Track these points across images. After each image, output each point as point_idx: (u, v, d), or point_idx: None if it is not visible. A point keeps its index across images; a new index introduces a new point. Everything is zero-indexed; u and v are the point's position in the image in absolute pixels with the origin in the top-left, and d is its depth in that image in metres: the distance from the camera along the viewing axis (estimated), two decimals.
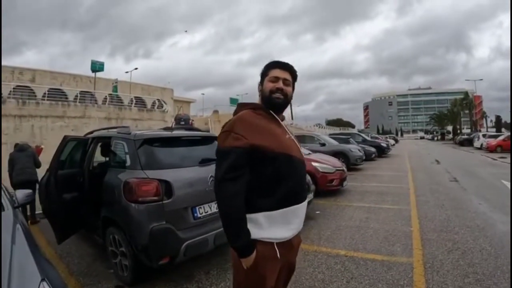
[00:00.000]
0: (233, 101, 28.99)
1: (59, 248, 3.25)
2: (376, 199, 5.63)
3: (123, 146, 2.77)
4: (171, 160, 2.72)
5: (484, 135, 22.49)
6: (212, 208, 2.64)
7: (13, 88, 13.23)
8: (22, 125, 11.41)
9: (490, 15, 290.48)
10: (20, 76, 16.40)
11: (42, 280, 1.22)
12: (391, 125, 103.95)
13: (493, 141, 18.45)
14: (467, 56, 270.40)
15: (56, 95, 14.38)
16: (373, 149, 13.55)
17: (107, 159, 3.58)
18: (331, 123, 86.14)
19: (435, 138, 49.95)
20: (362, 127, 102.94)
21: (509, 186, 6.37)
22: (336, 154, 9.18)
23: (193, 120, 14.82)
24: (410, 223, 4.02)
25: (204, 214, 2.59)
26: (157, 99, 19.52)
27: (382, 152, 15.28)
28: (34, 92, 14.53)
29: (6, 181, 4.34)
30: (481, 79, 59.22)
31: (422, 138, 64.88)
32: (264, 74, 1.28)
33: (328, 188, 5.75)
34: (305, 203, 1.26)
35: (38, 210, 4.00)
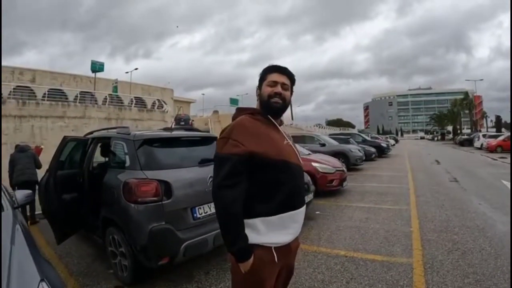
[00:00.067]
0: (233, 101, 29.01)
1: (58, 249, 3.25)
2: (376, 199, 5.62)
3: (123, 146, 2.77)
4: (171, 161, 2.73)
5: (484, 135, 22.47)
6: (211, 208, 2.64)
7: (13, 89, 13.25)
8: (22, 125, 11.42)
9: (490, 15, 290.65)
10: (20, 76, 16.42)
11: (41, 280, 1.22)
12: (391, 125, 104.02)
13: (493, 141, 18.44)
14: (467, 56, 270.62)
15: (56, 95, 14.41)
16: (373, 149, 13.54)
17: (107, 159, 3.58)
18: (331, 123, 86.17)
19: (435, 138, 49.94)
20: (362, 127, 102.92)
21: (509, 186, 6.37)
22: (336, 154, 9.18)
23: (193, 121, 14.83)
24: (410, 224, 4.02)
25: (203, 214, 2.59)
26: (157, 100, 19.54)
27: (382, 152, 15.28)
28: (34, 93, 14.55)
29: (6, 182, 4.35)
30: (481, 79, 59.34)
31: (422, 138, 64.92)
32: (262, 78, 1.28)
33: (328, 188, 5.75)
34: (303, 209, 1.27)
35: (38, 210, 4.00)
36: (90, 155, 3.40)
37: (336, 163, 6.47)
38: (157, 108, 18.36)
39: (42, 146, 7.57)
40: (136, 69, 27.88)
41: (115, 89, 18.98)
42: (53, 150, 3.14)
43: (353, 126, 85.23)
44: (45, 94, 13.98)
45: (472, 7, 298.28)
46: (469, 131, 40.64)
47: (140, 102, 17.75)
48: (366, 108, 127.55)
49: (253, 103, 1.35)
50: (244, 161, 1.12)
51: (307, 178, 4.48)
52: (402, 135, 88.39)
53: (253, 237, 1.14)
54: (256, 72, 1.35)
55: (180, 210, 2.47)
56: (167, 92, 25.25)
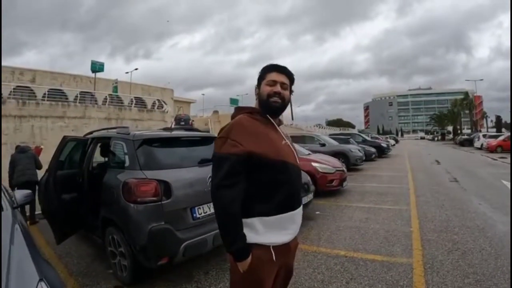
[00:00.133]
0: (233, 101, 29.02)
1: (58, 249, 3.25)
2: (376, 199, 5.62)
3: (122, 146, 2.77)
4: (170, 161, 2.72)
5: (484, 135, 22.46)
6: (211, 208, 2.63)
7: (13, 89, 13.25)
8: (22, 125, 11.42)
9: (490, 15, 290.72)
10: (20, 76, 16.43)
11: (40, 280, 1.22)
12: (391, 126, 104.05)
13: (493, 141, 18.43)
14: (467, 56, 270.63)
15: (56, 95, 14.42)
16: (373, 150, 13.54)
17: (107, 159, 3.58)
18: (331, 123, 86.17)
19: (436, 139, 49.94)
20: (363, 127, 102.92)
21: (509, 186, 6.37)
22: (336, 154, 9.17)
23: (193, 121, 14.82)
24: (410, 224, 4.02)
25: (203, 214, 2.59)
26: (157, 100, 19.55)
27: (382, 152, 15.27)
28: (34, 93, 14.55)
29: (5, 182, 4.35)
30: (482, 79, 59.34)
31: (422, 138, 64.92)
32: (261, 77, 1.27)
33: (328, 188, 5.75)
34: (300, 209, 1.27)
35: (38, 210, 4.00)
36: (89, 155, 3.40)
37: (336, 163, 6.47)
38: (157, 108, 18.37)
39: (42, 146, 7.57)
40: (136, 69, 27.96)
41: (115, 89, 18.99)
42: (53, 150, 3.14)
43: (353, 126, 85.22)
44: (45, 94, 13.99)
45: (472, 7, 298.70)
46: (469, 131, 40.65)
47: (140, 102, 17.76)
48: (366, 108, 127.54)
49: (253, 103, 1.35)
50: (242, 161, 1.12)
51: (307, 178, 4.48)
52: (402, 135, 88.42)
53: (251, 237, 1.14)
54: (256, 72, 1.34)
55: (180, 210, 2.47)
56: (167, 92, 25.26)
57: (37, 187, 4.19)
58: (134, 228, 2.31)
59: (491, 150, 17.58)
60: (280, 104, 1.25)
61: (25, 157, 4.79)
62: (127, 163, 2.65)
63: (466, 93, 46.31)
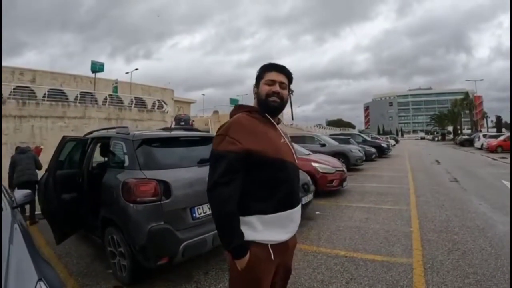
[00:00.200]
0: (233, 101, 29.06)
1: (58, 249, 3.25)
2: (376, 199, 5.61)
3: (122, 146, 2.76)
4: (170, 161, 2.72)
5: (484, 136, 22.44)
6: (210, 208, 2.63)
7: (14, 89, 13.26)
8: (22, 125, 11.43)
9: (490, 15, 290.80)
10: (20, 76, 16.46)
11: (39, 280, 1.22)
12: (391, 126, 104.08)
13: (493, 141, 18.42)
14: (467, 57, 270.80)
15: (56, 95, 14.43)
16: (373, 150, 13.52)
17: (106, 159, 3.58)
18: (332, 123, 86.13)
19: (436, 139, 49.92)
20: (363, 127, 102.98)
21: (509, 186, 6.36)
22: (336, 154, 9.17)
23: (193, 121, 14.82)
24: (410, 224, 4.01)
25: (202, 214, 2.59)
26: (157, 100, 19.55)
27: (382, 152, 15.26)
28: (34, 93, 14.56)
29: (5, 182, 4.36)
30: (482, 79, 59.31)
31: (422, 138, 64.93)
32: (259, 76, 1.27)
33: (328, 188, 5.74)
34: (299, 208, 1.26)
35: (38, 210, 4.00)
36: (89, 155, 3.40)
37: (336, 163, 6.47)
38: (157, 108, 18.37)
39: (42, 147, 7.58)
40: (136, 69, 27.99)
41: (115, 89, 19.01)
42: (53, 150, 3.14)
43: (353, 127, 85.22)
44: (45, 94, 14.00)
45: (472, 7, 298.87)
46: (469, 131, 40.68)
47: (140, 103, 17.77)
48: (367, 108, 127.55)
49: (253, 103, 1.35)
50: (240, 159, 1.12)
51: (307, 178, 4.48)
52: (402, 135, 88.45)
53: (249, 234, 1.14)
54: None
55: (179, 210, 2.47)
56: (167, 92, 25.28)
57: (37, 187, 4.20)
58: (134, 228, 2.30)
59: (491, 150, 17.56)
60: (279, 103, 1.25)
61: (25, 157, 4.85)
62: (126, 163, 2.65)
63: (466, 93, 46.29)
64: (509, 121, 43.71)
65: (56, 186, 2.94)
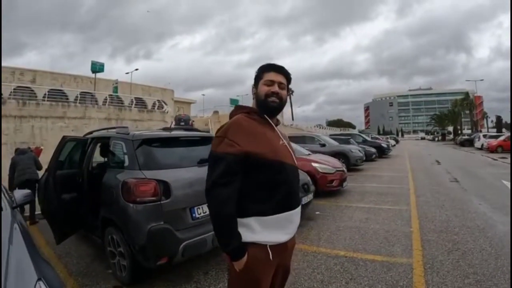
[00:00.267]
0: (233, 101, 29.03)
1: (58, 249, 3.25)
2: (376, 199, 5.61)
3: (122, 146, 2.77)
4: (170, 161, 2.72)
5: (484, 136, 22.42)
6: None
7: (14, 89, 13.27)
8: (22, 125, 11.43)
9: (490, 16, 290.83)
10: (20, 77, 16.47)
11: (39, 279, 1.22)
12: (391, 126, 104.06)
13: (493, 142, 18.41)
14: (467, 57, 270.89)
15: (57, 95, 14.43)
16: (373, 150, 13.52)
17: (106, 159, 3.58)
18: (332, 123, 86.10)
19: (436, 139, 49.87)
20: (363, 127, 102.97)
21: (509, 186, 6.36)
22: (336, 154, 9.16)
23: (193, 121, 14.83)
24: (410, 224, 4.01)
25: (202, 214, 2.59)
26: (158, 100, 19.56)
27: (382, 152, 15.25)
28: (34, 93, 14.57)
29: (5, 182, 4.36)
30: (482, 79, 59.30)
31: (422, 138, 64.91)
32: (258, 77, 1.27)
33: (328, 188, 5.74)
34: (298, 209, 1.26)
35: (38, 211, 4.00)
36: (89, 155, 3.40)
37: (336, 163, 6.46)
38: (157, 108, 18.37)
39: (42, 147, 7.59)
40: (136, 69, 28.01)
41: (115, 89, 19.01)
42: (53, 150, 3.14)
43: (353, 127, 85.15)
44: (45, 94, 14.00)
45: (472, 7, 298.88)
46: (469, 131, 40.64)
47: (140, 103, 17.77)
48: (367, 108, 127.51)
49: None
50: (239, 161, 1.12)
51: (307, 178, 4.48)
52: (402, 135, 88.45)
53: (248, 236, 1.14)
54: None
55: (179, 210, 2.46)
56: (167, 92, 25.29)
57: (37, 186, 4.22)
58: (133, 228, 2.30)
59: (491, 150, 17.55)
60: (278, 104, 1.25)
61: (25, 157, 4.90)
62: (126, 163, 2.65)
63: (466, 93, 46.25)
64: (509, 121, 43.70)
65: (56, 186, 2.95)
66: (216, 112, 26.07)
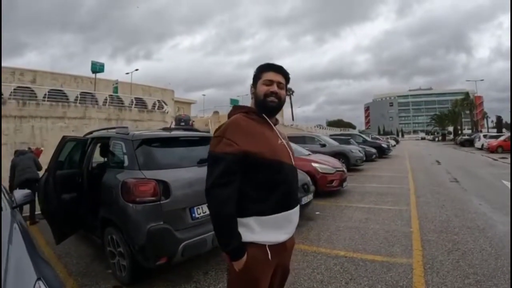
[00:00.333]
0: (233, 101, 29.02)
1: (57, 249, 3.25)
2: (376, 199, 5.61)
3: (121, 146, 2.77)
4: (169, 161, 2.72)
5: (485, 136, 22.41)
6: None
7: (14, 89, 13.27)
8: (22, 126, 11.43)
9: (490, 16, 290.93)
10: (21, 77, 16.48)
11: (38, 279, 1.22)
12: (392, 126, 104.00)
13: (494, 142, 18.39)
14: (467, 57, 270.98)
15: (57, 96, 14.42)
16: (373, 150, 13.52)
17: (106, 159, 3.58)
18: (332, 124, 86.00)
19: (436, 139, 49.86)
20: (363, 128, 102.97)
21: (509, 186, 6.35)
22: (336, 154, 9.17)
23: (193, 121, 14.83)
24: (410, 224, 4.01)
25: (202, 214, 2.58)
26: (158, 100, 19.55)
27: (382, 153, 15.25)
28: (35, 93, 14.57)
29: (5, 182, 4.37)
30: (482, 80, 59.28)
31: (423, 138, 64.93)
32: (257, 77, 1.27)
33: (328, 188, 5.74)
34: (297, 209, 1.26)
35: (38, 211, 4.00)
36: (89, 155, 3.40)
37: (336, 163, 6.46)
38: (158, 109, 18.36)
39: (42, 148, 7.59)
40: (136, 70, 28.11)
41: (115, 89, 19.02)
42: (53, 150, 3.14)
43: (354, 127, 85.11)
44: (45, 94, 14.00)
45: (472, 7, 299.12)
46: (470, 131, 40.62)
47: (140, 103, 17.76)
48: (367, 108, 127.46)
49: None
50: (237, 161, 1.12)
51: (306, 178, 4.48)
52: (402, 135, 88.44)
53: (247, 236, 1.14)
54: None
55: (179, 210, 2.46)
56: (167, 93, 25.30)
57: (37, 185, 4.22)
58: (133, 228, 2.30)
59: (491, 150, 17.54)
60: (277, 103, 1.25)
61: (25, 158, 4.95)
62: (126, 163, 2.65)
63: (466, 94, 46.24)
64: (509, 122, 43.67)
65: (55, 186, 2.95)
66: (216, 112, 26.09)
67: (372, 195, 6.03)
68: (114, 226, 2.52)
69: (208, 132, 3.62)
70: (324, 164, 5.98)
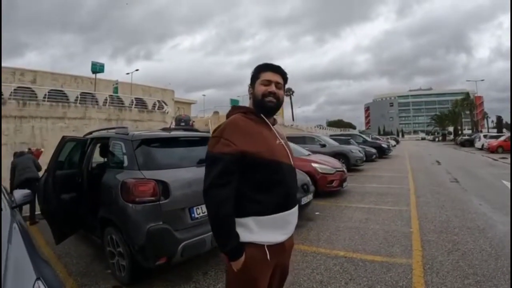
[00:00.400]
0: (233, 102, 28.99)
1: (57, 249, 3.25)
2: (376, 200, 5.61)
3: (121, 146, 2.77)
4: (169, 161, 2.72)
5: (485, 136, 22.39)
6: None
7: (14, 89, 13.27)
8: (23, 126, 11.43)
9: (490, 16, 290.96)
10: (21, 77, 16.49)
11: (37, 279, 1.22)
12: (392, 126, 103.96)
13: (494, 142, 18.37)
14: (468, 57, 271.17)
15: (57, 96, 14.43)
16: (373, 150, 13.52)
17: (106, 159, 3.58)
18: (332, 124, 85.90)
19: (436, 139, 49.85)
20: (363, 128, 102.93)
21: (509, 186, 6.35)
22: (337, 155, 9.17)
23: (193, 121, 14.83)
24: (410, 224, 4.00)
25: (201, 214, 2.58)
26: (158, 100, 19.54)
27: (382, 153, 15.25)
28: (35, 93, 14.58)
29: (5, 182, 4.37)
30: (483, 80, 59.29)
31: (423, 139, 64.94)
32: (255, 77, 1.27)
33: (328, 189, 5.74)
34: (296, 209, 1.26)
35: (38, 211, 4.01)
36: (89, 155, 3.41)
37: (336, 163, 6.46)
38: (158, 109, 18.35)
39: (42, 149, 7.60)
40: (137, 70, 28.13)
41: (115, 90, 19.02)
42: (53, 151, 3.14)
43: (354, 127, 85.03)
44: (46, 95, 14.00)
45: (472, 7, 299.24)
46: (470, 131, 40.62)
47: (140, 103, 17.76)
48: (367, 109, 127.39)
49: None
50: (235, 161, 1.11)
51: (306, 178, 4.48)
52: (403, 136, 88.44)
53: (245, 236, 1.14)
54: None
55: (178, 210, 2.47)
56: (168, 93, 25.30)
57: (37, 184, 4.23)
58: (132, 228, 2.30)
59: (492, 150, 17.52)
60: (275, 103, 1.25)
61: (24, 158, 5.00)
62: (125, 163, 2.65)
63: (467, 94, 46.26)
64: (509, 122, 43.64)
65: (55, 186, 2.95)
66: (216, 113, 26.05)
67: (372, 195, 6.03)
68: (114, 226, 2.53)
69: (208, 132, 3.63)
70: (324, 164, 5.98)
